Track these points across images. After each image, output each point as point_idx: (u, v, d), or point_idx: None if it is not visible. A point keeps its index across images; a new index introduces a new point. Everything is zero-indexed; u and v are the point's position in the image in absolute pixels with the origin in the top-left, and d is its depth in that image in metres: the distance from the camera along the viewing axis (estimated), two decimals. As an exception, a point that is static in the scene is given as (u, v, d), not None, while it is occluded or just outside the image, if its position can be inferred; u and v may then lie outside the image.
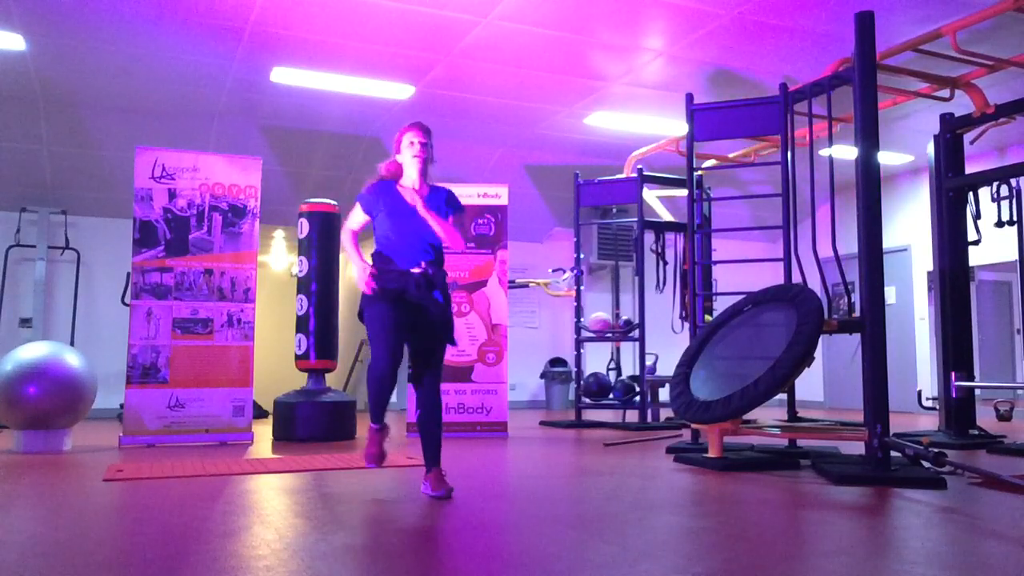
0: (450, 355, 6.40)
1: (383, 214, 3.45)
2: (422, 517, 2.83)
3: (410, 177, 3.55)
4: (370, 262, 3.44)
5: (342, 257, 6.54)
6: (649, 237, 8.49)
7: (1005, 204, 5.94)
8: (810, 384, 10.45)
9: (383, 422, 3.47)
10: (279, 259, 10.39)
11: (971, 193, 5.85)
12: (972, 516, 2.87)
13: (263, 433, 6.37)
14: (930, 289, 8.72)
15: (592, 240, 9.88)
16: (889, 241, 9.27)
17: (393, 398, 9.58)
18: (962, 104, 6.07)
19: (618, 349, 8.84)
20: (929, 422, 7.48)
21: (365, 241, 3.85)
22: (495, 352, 6.44)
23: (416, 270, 3.38)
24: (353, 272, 3.46)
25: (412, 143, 3.56)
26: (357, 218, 3.54)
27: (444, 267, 3.51)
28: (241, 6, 5.24)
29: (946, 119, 5.90)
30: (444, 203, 3.57)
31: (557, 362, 10.09)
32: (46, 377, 4.93)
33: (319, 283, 6.18)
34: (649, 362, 7.38)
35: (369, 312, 3.36)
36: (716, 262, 5.29)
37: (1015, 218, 5.93)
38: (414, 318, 3.37)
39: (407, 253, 3.40)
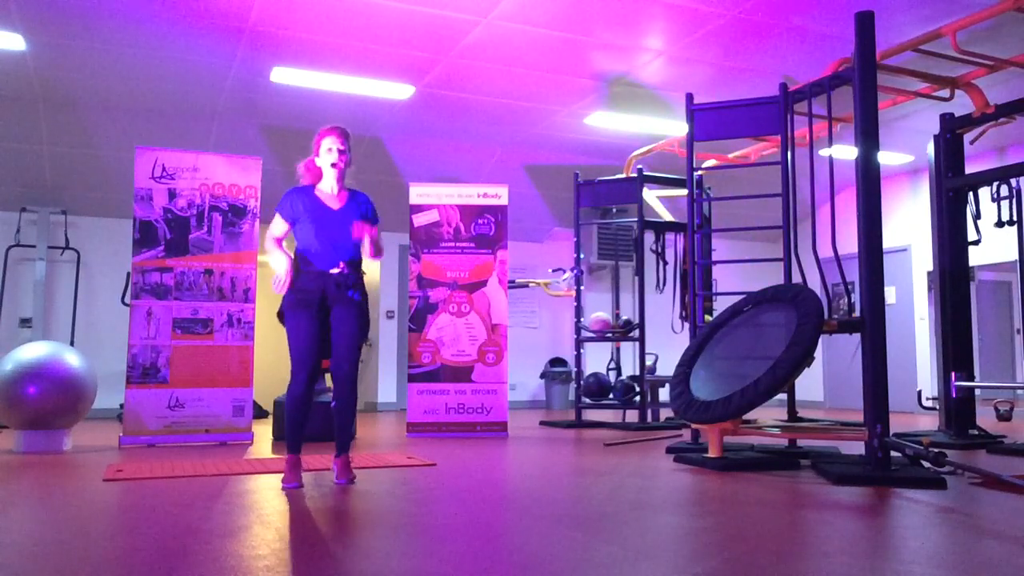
0: (450, 355, 6.41)
1: (304, 220, 3.61)
2: (422, 517, 2.83)
3: (328, 183, 3.69)
4: (293, 266, 3.65)
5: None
6: (649, 237, 8.50)
7: (1005, 204, 5.94)
8: (810, 384, 10.46)
9: (300, 452, 3.62)
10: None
11: (971, 193, 5.85)
12: (972, 516, 2.87)
13: (263, 433, 6.37)
14: (930, 289, 8.72)
15: (592, 240, 9.89)
16: (889, 241, 9.29)
17: (393, 397, 9.60)
18: (962, 104, 6.07)
19: (618, 349, 8.84)
20: (929, 422, 7.48)
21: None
22: (495, 352, 6.44)
23: (335, 271, 3.58)
24: (274, 264, 3.59)
25: (331, 149, 3.63)
26: (279, 227, 3.67)
27: (360, 268, 3.70)
28: (241, 6, 5.24)
29: (946, 119, 5.90)
30: (367, 211, 3.73)
31: (557, 362, 10.09)
32: (46, 377, 4.92)
33: (319, 283, 6.17)
34: (649, 362, 7.38)
35: (290, 320, 3.58)
36: (716, 262, 5.29)
37: (1015, 218, 5.93)
38: (330, 319, 3.59)
39: (327, 255, 3.59)
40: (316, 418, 5.87)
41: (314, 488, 3.53)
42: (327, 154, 3.63)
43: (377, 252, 3.72)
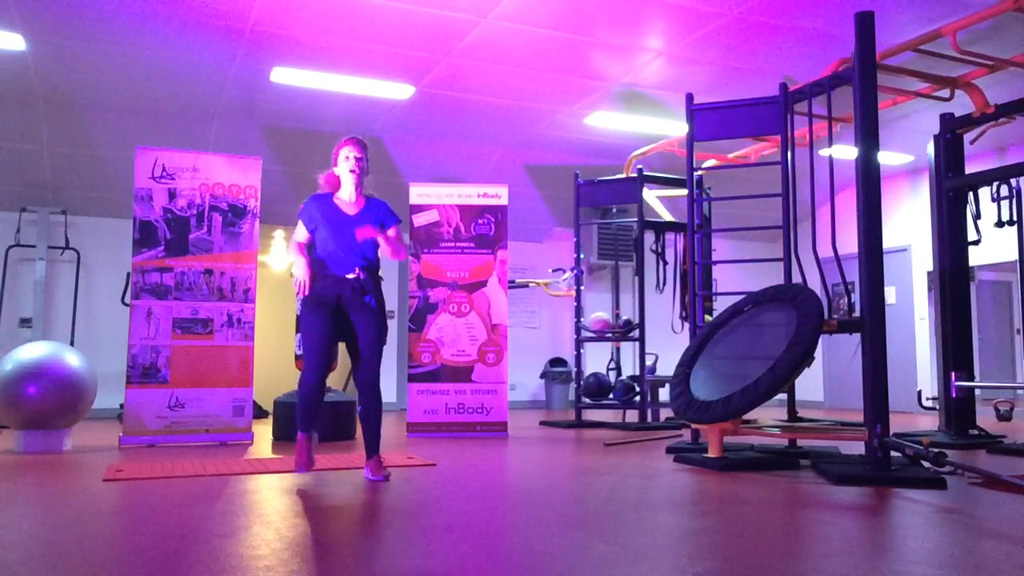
0: (450, 355, 6.41)
1: (322, 226, 3.75)
2: (422, 517, 2.83)
3: (347, 190, 3.84)
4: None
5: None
6: (649, 237, 8.49)
7: (1005, 204, 5.95)
8: (810, 384, 10.46)
9: (311, 431, 3.74)
10: (279, 259, 10.40)
11: (971, 193, 5.85)
12: (972, 516, 2.87)
13: (263, 433, 6.37)
14: (930, 289, 8.72)
15: (592, 240, 9.88)
16: (889, 241, 9.29)
17: (393, 398, 9.60)
18: (962, 104, 6.07)
19: (618, 349, 8.85)
20: (929, 422, 7.48)
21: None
22: (495, 352, 6.44)
23: (351, 275, 3.72)
24: (295, 270, 3.74)
25: (348, 158, 3.81)
26: (302, 233, 3.81)
27: (377, 274, 3.83)
28: (241, 6, 5.24)
29: (946, 119, 5.90)
30: (383, 216, 3.85)
31: (557, 362, 10.09)
32: (46, 377, 4.92)
33: (319, 283, 6.18)
34: (649, 362, 7.38)
35: (305, 321, 3.70)
36: (716, 262, 5.29)
37: (1015, 218, 5.93)
38: (348, 323, 3.72)
39: (343, 260, 3.72)
40: (322, 419, 5.90)
41: (314, 488, 3.53)
42: (344, 162, 3.80)
43: (396, 252, 3.78)
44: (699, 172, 6.10)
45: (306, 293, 3.66)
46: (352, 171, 3.79)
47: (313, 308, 3.68)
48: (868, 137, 4.07)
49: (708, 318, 6.44)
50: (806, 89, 4.76)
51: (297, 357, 6.17)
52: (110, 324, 8.33)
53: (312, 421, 3.74)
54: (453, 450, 5.16)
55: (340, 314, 3.71)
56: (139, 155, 5.68)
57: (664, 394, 8.70)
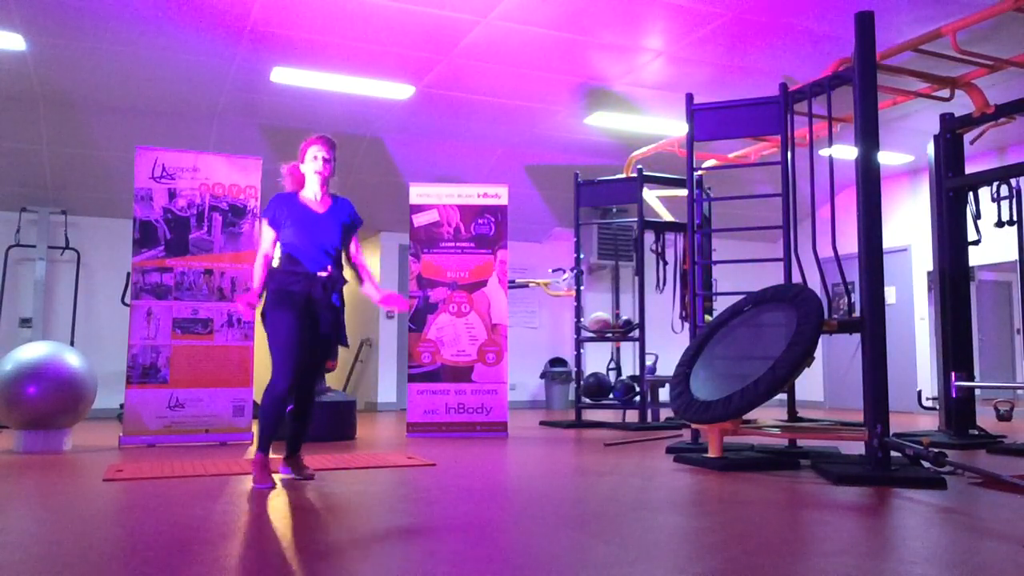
0: (450, 355, 6.41)
1: (290, 225, 3.69)
2: (421, 517, 2.83)
3: (312, 189, 3.79)
4: (279, 266, 3.73)
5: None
6: (649, 237, 8.50)
7: (1005, 204, 5.95)
8: (810, 384, 10.46)
9: (268, 450, 3.66)
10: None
11: (971, 193, 5.85)
12: (972, 516, 2.87)
13: (263, 433, 6.36)
14: (930, 289, 8.72)
15: (592, 240, 9.89)
16: (889, 241, 9.29)
17: (393, 397, 9.60)
18: (962, 104, 6.07)
19: (618, 349, 8.85)
20: (929, 422, 7.48)
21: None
22: (495, 352, 6.44)
23: (322, 273, 3.67)
24: (249, 296, 3.64)
25: (316, 157, 3.76)
26: (268, 236, 3.74)
27: (342, 273, 3.80)
28: (241, 6, 5.24)
29: (946, 119, 5.90)
30: (350, 215, 3.85)
31: (557, 362, 10.09)
32: (46, 377, 4.92)
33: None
34: (649, 362, 7.38)
35: (274, 319, 3.58)
36: (716, 262, 5.29)
37: (1015, 218, 5.93)
38: (313, 321, 3.64)
39: (314, 257, 3.67)
40: (316, 418, 5.88)
41: (314, 488, 3.53)
42: (312, 161, 3.75)
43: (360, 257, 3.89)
44: (699, 172, 6.09)
45: (253, 305, 3.59)
46: (319, 172, 3.73)
47: (283, 304, 3.56)
48: (868, 137, 4.07)
49: (708, 318, 6.45)
50: (806, 89, 4.75)
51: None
52: (110, 324, 8.34)
53: (272, 439, 3.62)
54: (453, 450, 5.16)
55: (309, 313, 3.62)
56: (139, 155, 5.68)
57: (664, 394, 8.70)
